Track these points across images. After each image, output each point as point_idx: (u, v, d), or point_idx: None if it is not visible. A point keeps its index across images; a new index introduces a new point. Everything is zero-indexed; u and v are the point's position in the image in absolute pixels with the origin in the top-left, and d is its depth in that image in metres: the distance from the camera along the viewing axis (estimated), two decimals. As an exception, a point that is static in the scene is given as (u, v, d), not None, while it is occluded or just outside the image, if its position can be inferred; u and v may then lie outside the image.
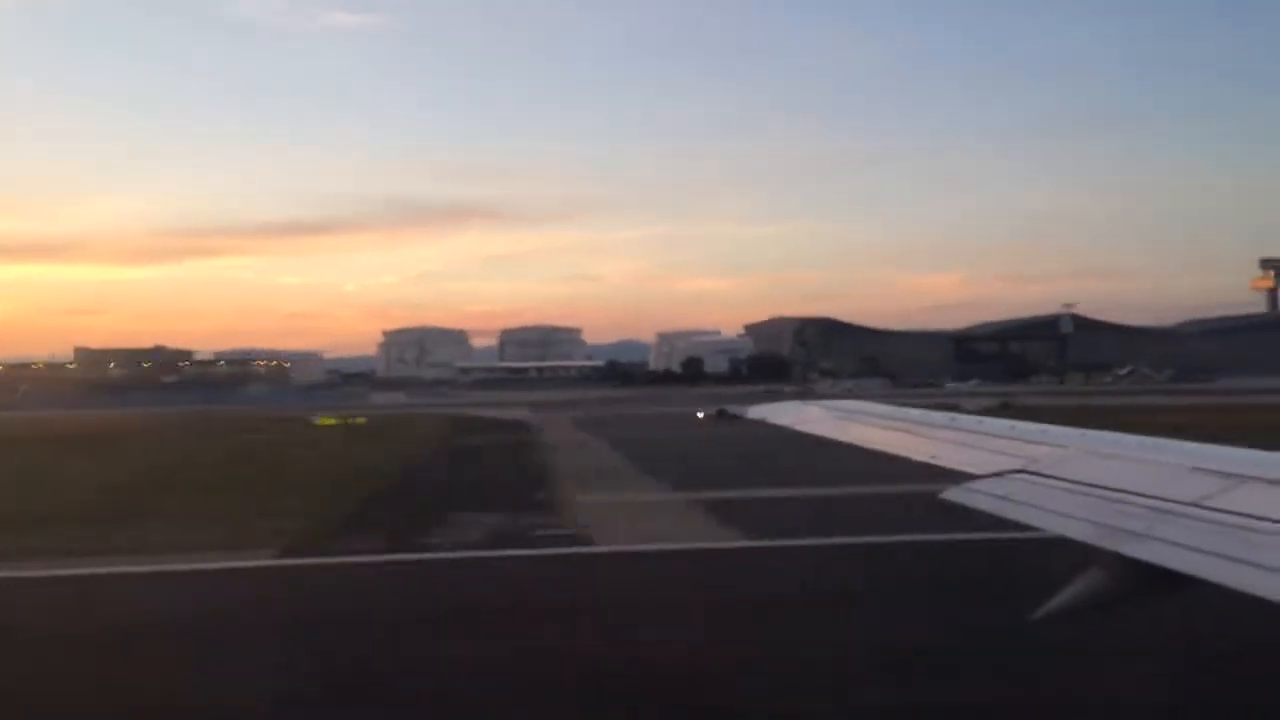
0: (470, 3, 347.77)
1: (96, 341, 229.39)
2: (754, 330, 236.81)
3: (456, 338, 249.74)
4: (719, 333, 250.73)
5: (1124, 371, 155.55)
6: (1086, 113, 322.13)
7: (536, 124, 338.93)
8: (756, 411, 15.81)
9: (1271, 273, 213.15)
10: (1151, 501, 5.96)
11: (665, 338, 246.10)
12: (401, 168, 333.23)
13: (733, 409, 17.32)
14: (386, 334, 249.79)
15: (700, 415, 36.89)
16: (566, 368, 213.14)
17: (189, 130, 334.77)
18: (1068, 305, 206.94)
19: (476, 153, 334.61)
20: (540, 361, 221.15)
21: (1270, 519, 5.21)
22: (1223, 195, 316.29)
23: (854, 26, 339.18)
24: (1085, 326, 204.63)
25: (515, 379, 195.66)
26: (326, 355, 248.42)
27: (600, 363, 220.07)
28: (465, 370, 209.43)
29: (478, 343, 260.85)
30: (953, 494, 7.32)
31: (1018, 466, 7.55)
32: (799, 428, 12.65)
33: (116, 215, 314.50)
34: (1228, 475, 6.18)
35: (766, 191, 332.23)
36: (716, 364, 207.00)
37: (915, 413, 11.33)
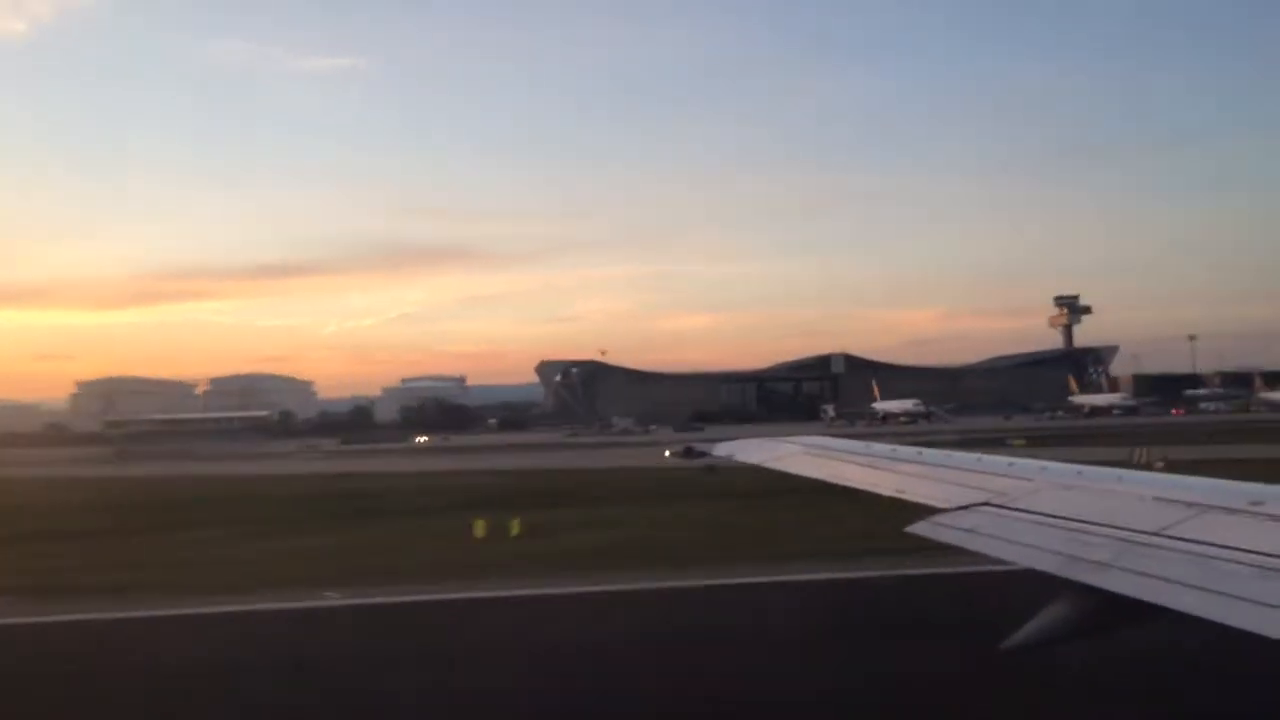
0: (447, 44, 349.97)
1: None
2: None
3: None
4: (461, 379, 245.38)
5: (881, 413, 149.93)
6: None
7: (516, 165, 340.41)
8: (723, 449, 15.87)
9: (1064, 309, 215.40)
10: (1115, 532, 6.07)
11: (404, 386, 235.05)
12: (381, 210, 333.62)
13: (700, 446, 17.28)
14: (79, 383, 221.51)
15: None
16: (245, 419, 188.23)
17: (165, 174, 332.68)
18: (843, 350, 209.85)
19: (455, 194, 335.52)
20: (242, 411, 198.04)
21: (1231, 546, 5.32)
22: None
23: (829, 65, 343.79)
24: (861, 367, 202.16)
25: (167, 431, 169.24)
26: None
27: (268, 413, 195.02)
28: (114, 424, 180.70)
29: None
30: (919, 528, 7.39)
31: (983, 499, 7.65)
32: (767, 464, 12.72)
33: (91, 260, 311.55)
34: (1190, 505, 6.31)
35: (746, 229, 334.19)
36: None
37: (883, 448, 11.44)
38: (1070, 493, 7.51)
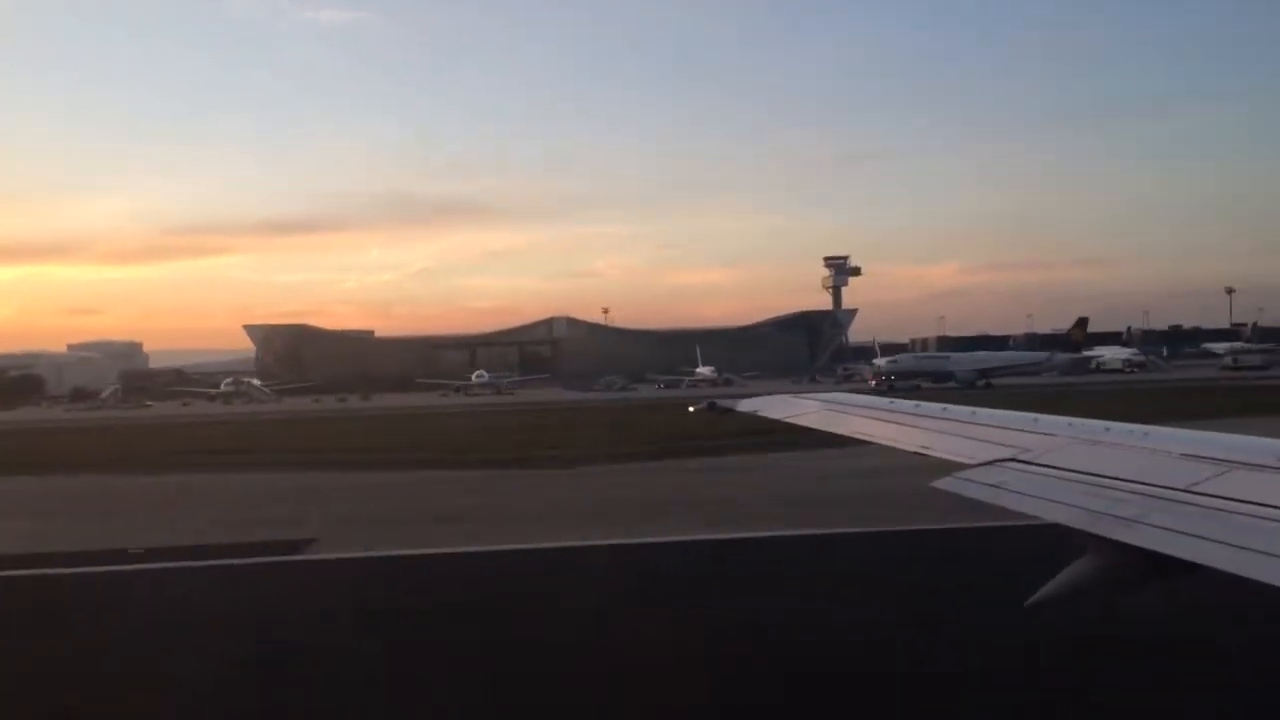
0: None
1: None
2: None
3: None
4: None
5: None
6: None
7: (532, 119, 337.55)
8: (748, 404, 15.90)
9: (831, 271, 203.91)
10: (1143, 488, 6.03)
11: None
12: (398, 164, 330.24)
13: (723, 402, 17.26)
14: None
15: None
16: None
17: (182, 129, 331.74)
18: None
19: (472, 148, 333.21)
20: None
21: (1260, 503, 5.27)
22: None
23: (846, 21, 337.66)
24: (585, 330, 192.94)
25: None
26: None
27: None
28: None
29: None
30: (944, 483, 7.36)
31: (1009, 455, 7.61)
32: (791, 420, 12.74)
33: (111, 215, 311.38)
34: (1218, 461, 6.25)
35: (763, 185, 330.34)
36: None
37: (907, 404, 11.40)
38: (1096, 448, 7.46)
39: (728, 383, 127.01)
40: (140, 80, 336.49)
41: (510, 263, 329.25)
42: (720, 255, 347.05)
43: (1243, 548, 4.82)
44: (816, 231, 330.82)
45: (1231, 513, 5.29)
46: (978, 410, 9.86)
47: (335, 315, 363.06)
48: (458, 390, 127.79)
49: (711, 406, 17.39)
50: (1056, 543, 6.14)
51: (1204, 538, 5.08)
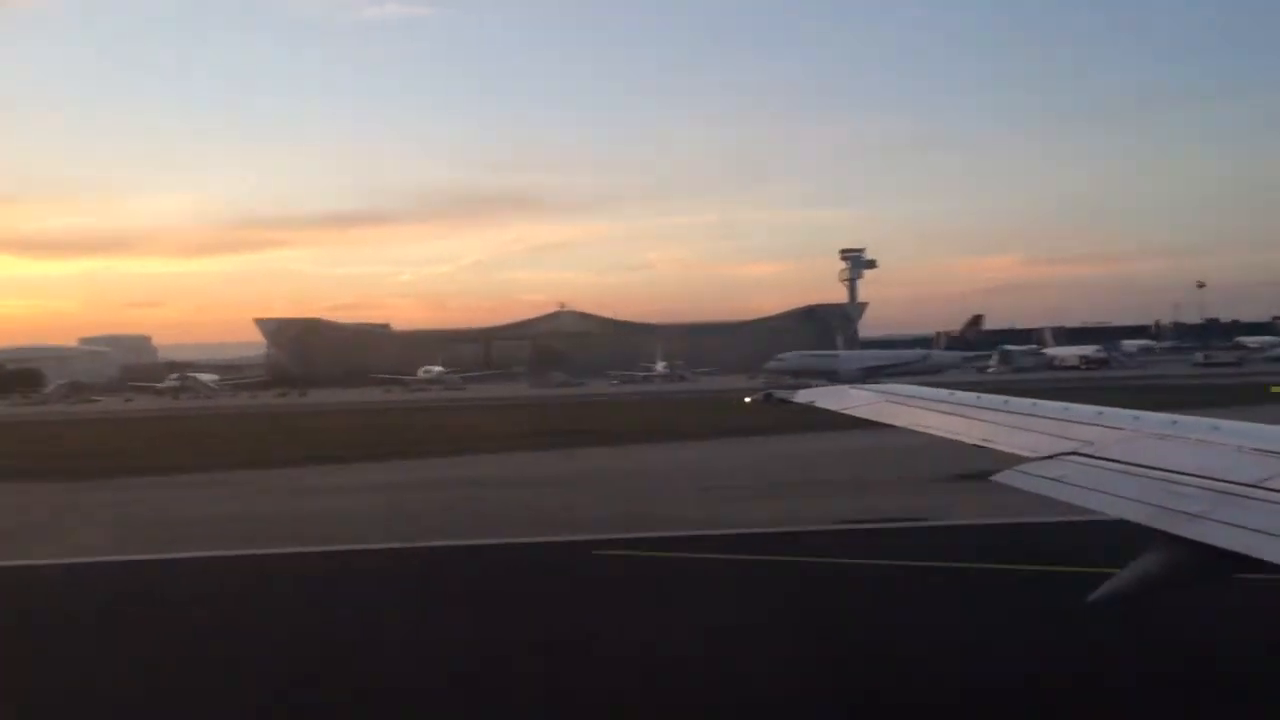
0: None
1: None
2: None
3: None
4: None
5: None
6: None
7: (584, 111, 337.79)
8: (804, 395, 15.86)
9: (847, 264, 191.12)
10: (1209, 483, 5.89)
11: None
12: (450, 158, 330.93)
13: (780, 393, 17.23)
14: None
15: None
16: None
17: (240, 124, 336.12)
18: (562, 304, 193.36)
19: (525, 143, 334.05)
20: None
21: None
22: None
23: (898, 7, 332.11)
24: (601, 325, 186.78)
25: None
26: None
27: None
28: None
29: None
30: (1005, 477, 7.27)
31: (1070, 449, 7.49)
32: (848, 411, 12.66)
33: (171, 210, 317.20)
34: (1288, 456, 6.09)
35: (820, 176, 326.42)
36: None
37: (967, 395, 11.26)
38: (1162, 442, 7.30)
39: (680, 379, 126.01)
40: (198, 78, 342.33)
41: (563, 256, 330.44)
42: (774, 248, 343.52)
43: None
44: (872, 223, 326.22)
45: (1303, 509, 5.15)
46: (1039, 402, 9.70)
47: (391, 308, 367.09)
48: (409, 386, 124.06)
49: (768, 398, 17.43)
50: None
51: (1274, 534, 4.95)
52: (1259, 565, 4.88)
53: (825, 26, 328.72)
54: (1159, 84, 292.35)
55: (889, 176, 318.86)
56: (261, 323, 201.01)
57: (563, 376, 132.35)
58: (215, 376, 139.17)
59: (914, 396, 12.29)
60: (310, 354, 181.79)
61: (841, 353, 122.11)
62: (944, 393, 11.97)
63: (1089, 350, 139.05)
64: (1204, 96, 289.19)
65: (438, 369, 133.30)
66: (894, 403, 12.14)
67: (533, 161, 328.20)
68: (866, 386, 14.07)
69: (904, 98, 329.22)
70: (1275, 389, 61.05)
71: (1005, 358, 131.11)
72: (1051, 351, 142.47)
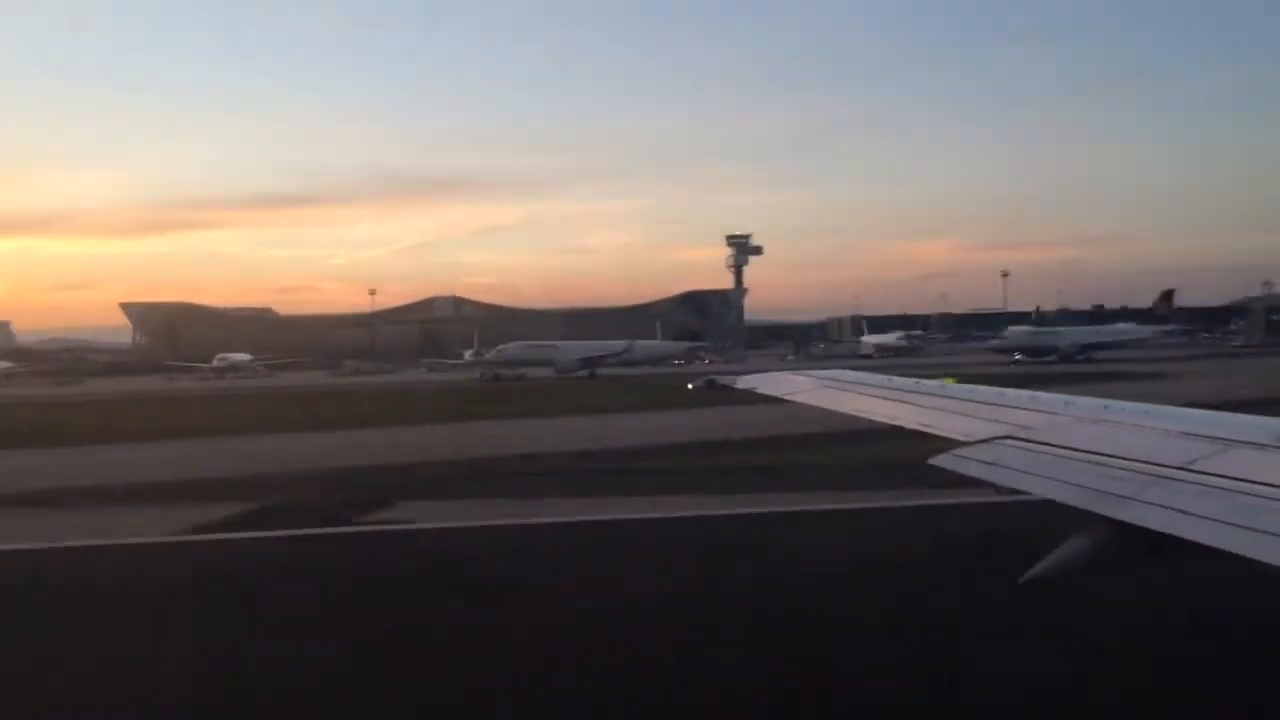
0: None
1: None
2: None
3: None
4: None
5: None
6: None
7: (522, 93, 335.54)
8: (745, 381, 15.87)
9: (733, 250, 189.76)
10: (1140, 465, 5.99)
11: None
12: (386, 139, 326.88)
13: (722, 379, 17.27)
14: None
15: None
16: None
17: (172, 102, 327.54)
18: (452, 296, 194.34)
19: (463, 124, 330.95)
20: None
21: (1258, 481, 5.23)
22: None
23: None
24: (487, 312, 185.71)
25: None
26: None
27: None
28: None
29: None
30: (942, 460, 7.33)
31: (1007, 433, 7.58)
32: (790, 397, 12.68)
33: (100, 189, 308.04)
34: (1217, 440, 6.22)
35: (758, 158, 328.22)
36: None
37: (906, 381, 11.36)
38: (1095, 426, 7.43)
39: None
40: (131, 52, 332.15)
41: (503, 238, 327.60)
42: (710, 232, 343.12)
43: (1240, 525, 4.79)
44: (818, 205, 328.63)
45: (1230, 491, 5.25)
46: (977, 388, 9.82)
47: (325, 291, 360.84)
48: (200, 375, 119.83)
49: (710, 384, 17.44)
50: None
51: (1201, 515, 5.04)
52: (1186, 546, 4.96)
53: (765, 10, 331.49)
54: (1099, 65, 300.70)
55: (829, 160, 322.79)
56: (128, 307, 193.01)
57: (354, 364, 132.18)
58: (248, 356, 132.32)
59: (855, 382, 12.38)
60: (178, 339, 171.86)
61: (560, 343, 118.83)
62: (883, 378, 12.06)
63: (889, 339, 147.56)
64: (1139, 78, 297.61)
65: (237, 356, 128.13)
66: (835, 389, 12.20)
67: (474, 143, 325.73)
68: (808, 372, 14.08)
69: (842, 82, 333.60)
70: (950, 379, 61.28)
71: (797, 348, 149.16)
72: (867, 339, 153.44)
